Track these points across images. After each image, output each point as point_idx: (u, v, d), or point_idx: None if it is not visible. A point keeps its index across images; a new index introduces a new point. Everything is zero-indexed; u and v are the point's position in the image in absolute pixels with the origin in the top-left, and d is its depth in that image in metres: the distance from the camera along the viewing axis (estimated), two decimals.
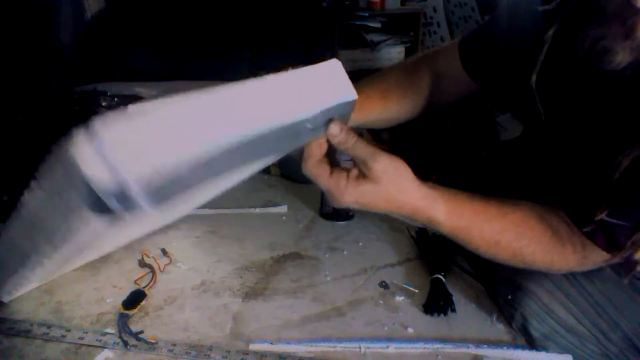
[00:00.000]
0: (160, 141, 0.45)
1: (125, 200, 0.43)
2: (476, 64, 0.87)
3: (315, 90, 0.58)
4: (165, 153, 0.46)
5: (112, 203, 0.43)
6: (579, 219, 0.66)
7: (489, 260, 0.72)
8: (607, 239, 0.64)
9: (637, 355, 0.73)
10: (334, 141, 0.61)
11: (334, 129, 0.59)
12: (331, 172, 0.63)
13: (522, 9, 0.77)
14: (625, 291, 0.73)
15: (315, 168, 0.63)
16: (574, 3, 0.68)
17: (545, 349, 0.72)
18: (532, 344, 0.74)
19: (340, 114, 0.62)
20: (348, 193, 0.62)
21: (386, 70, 0.97)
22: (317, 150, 0.63)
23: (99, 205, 0.43)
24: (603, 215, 0.62)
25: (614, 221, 0.62)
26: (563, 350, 0.72)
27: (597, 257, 0.66)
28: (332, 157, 0.65)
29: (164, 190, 0.46)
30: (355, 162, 0.63)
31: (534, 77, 0.74)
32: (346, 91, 0.60)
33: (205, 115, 0.49)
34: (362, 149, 0.61)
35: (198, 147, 0.48)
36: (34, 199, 0.53)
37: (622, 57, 0.59)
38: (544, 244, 0.66)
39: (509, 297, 0.76)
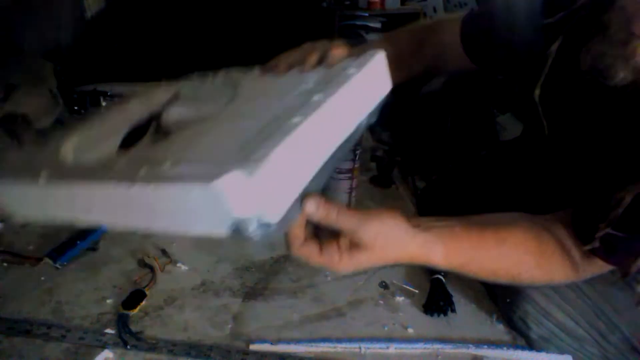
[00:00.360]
0: (299, 165, 0.47)
1: (264, 226, 0.43)
2: (475, 49, 0.85)
3: (371, 86, 0.59)
4: (300, 175, 0.47)
5: (250, 229, 0.42)
6: (582, 235, 0.65)
7: None
8: (606, 249, 0.63)
9: (636, 357, 0.73)
10: (314, 219, 0.55)
11: (310, 207, 0.53)
12: (321, 249, 0.58)
13: (524, 18, 0.76)
14: (624, 293, 0.73)
15: (303, 250, 0.58)
16: (578, 17, 0.68)
17: (544, 350, 0.72)
18: (531, 346, 0.74)
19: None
20: (344, 266, 0.58)
21: (397, 34, 0.95)
22: (298, 232, 0.58)
23: (234, 228, 0.42)
24: (604, 231, 0.61)
25: (614, 233, 0.61)
26: (563, 353, 0.72)
27: (595, 268, 0.66)
28: (317, 230, 0.60)
29: (293, 210, 0.47)
30: (343, 232, 0.58)
31: (537, 91, 0.74)
32: (387, 85, 0.61)
33: (322, 129, 0.50)
34: (347, 221, 0.56)
35: (318, 161, 0.49)
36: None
37: (623, 75, 0.59)
38: (542, 266, 0.66)
39: (508, 300, 0.76)
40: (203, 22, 2.10)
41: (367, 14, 2.87)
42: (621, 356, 0.73)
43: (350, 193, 1.02)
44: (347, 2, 2.82)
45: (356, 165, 1.00)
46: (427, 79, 1.03)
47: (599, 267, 0.65)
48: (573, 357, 0.72)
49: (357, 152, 0.99)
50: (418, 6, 3.04)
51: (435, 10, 3.21)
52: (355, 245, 0.57)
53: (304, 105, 0.50)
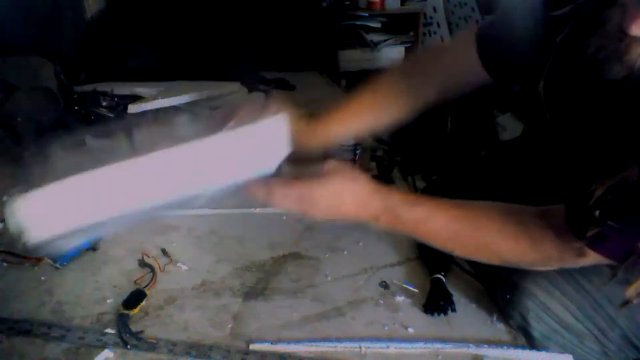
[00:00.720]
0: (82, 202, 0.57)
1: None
2: (492, 55, 0.83)
3: (257, 154, 0.64)
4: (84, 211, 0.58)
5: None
6: (574, 228, 0.65)
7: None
8: (594, 241, 0.63)
9: (636, 353, 0.73)
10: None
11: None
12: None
13: (529, 10, 0.77)
14: (624, 288, 0.73)
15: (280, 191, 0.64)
16: (585, 11, 0.68)
17: (545, 349, 0.72)
18: (532, 344, 0.74)
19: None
20: (314, 198, 0.63)
21: (384, 75, 0.92)
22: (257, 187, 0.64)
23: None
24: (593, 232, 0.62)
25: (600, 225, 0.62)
26: (563, 349, 0.72)
27: (580, 259, 0.66)
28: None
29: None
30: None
31: (541, 83, 0.75)
32: (283, 151, 0.66)
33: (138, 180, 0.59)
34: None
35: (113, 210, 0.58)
36: None
37: (618, 70, 0.59)
38: (506, 233, 0.66)
39: (508, 296, 0.76)
40: (203, 22, 2.09)
41: (367, 14, 2.87)
42: (620, 352, 0.74)
43: None
44: (347, 2, 2.82)
45: (356, 165, 1.00)
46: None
47: (585, 259, 0.65)
48: (573, 354, 0.72)
49: (358, 151, 0.99)
50: (418, 6, 3.04)
51: (435, 10, 3.21)
52: (317, 178, 0.63)
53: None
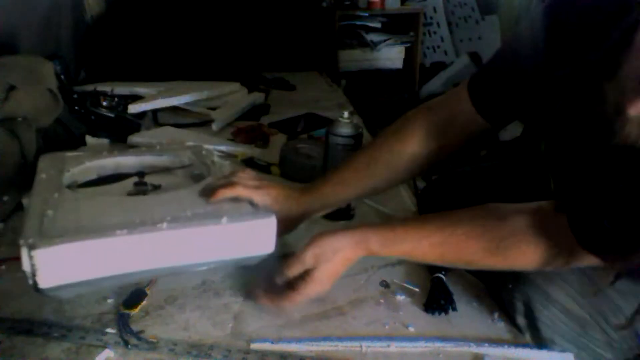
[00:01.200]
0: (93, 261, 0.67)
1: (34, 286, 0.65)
2: (487, 103, 0.82)
3: (243, 247, 0.74)
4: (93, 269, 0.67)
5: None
6: (576, 233, 0.65)
7: None
8: (595, 245, 0.63)
9: (638, 342, 0.73)
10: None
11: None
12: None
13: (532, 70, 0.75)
14: (629, 279, 0.73)
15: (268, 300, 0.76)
16: (585, 79, 0.66)
17: (550, 342, 0.73)
18: (537, 337, 0.74)
19: None
20: (315, 289, 0.74)
21: (377, 139, 0.92)
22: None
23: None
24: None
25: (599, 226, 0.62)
26: (568, 342, 0.73)
27: (578, 260, 0.66)
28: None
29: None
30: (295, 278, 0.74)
31: (542, 145, 0.80)
32: (268, 247, 0.76)
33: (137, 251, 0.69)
34: (295, 272, 0.74)
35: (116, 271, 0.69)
36: None
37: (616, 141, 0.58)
38: (489, 251, 0.69)
39: (510, 286, 0.76)
40: (203, 21, 2.10)
41: (367, 14, 2.87)
42: (624, 342, 0.73)
43: None
44: (347, 2, 2.82)
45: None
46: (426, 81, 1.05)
47: (578, 261, 0.66)
48: (578, 346, 0.72)
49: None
50: (418, 6, 3.04)
51: (435, 10, 3.21)
52: (307, 275, 0.73)
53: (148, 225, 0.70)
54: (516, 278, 0.75)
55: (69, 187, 0.87)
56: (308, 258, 0.73)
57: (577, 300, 0.73)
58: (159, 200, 0.82)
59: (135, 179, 0.94)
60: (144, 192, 0.90)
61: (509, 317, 0.78)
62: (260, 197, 0.80)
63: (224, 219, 0.72)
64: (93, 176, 0.96)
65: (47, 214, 0.72)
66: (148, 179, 0.93)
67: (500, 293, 0.80)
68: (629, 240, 0.60)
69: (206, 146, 1.08)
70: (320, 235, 0.74)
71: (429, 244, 0.72)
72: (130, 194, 0.89)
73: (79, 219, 0.72)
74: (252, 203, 0.79)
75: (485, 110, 0.82)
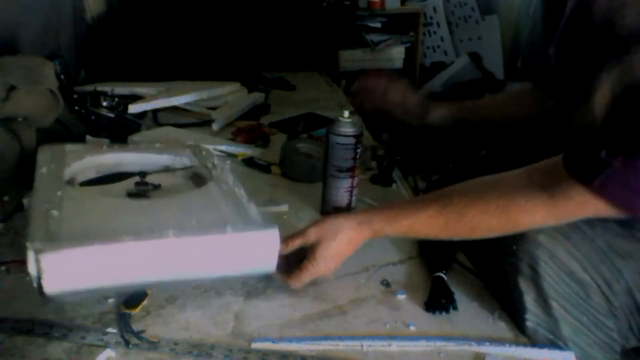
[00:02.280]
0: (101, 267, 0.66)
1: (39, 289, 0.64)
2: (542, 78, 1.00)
3: (241, 257, 0.73)
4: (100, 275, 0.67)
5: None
6: (580, 176, 0.66)
7: (491, 243, 0.77)
8: (599, 185, 0.64)
9: (637, 313, 0.73)
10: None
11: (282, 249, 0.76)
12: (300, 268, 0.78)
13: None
14: (630, 242, 0.73)
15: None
16: None
17: (554, 301, 0.73)
18: (542, 296, 0.73)
19: None
20: (319, 267, 0.77)
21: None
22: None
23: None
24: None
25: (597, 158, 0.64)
26: (571, 305, 0.73)
27: (578, 208, 0.67)
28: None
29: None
30: (301, 256, 0.78)
31: (551, 49, 0.84)
32: (269, 263, 0.74)
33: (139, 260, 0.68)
34: (295, 244, 0.78)
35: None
36: None
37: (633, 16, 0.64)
38: (490, 212, 0.71)
39: (514, 247, 0.75)
40: (202, 21, 2.10)
41: (367, 14, 2.87)
42: (625, 308, 0.74)
43: (351, 192, 1.02)
44: (347, 2, 2.82)
45: (357, 164, 1.00)
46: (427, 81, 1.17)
47: (584, 206, 0.67)
48: (579, 309, 0.72)
49: (359, 150, 0.99)
50: (418, 6, 3.04)
51: (435, 10, 3.21)
52: (312, 253, 0.76)
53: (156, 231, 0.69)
54: (521, 240, 0.74)
55: (69, 182, 0.87)
56: (310, 233, 0.77)
57: (581, 262, 0.72)
58: (163, 205, 0.82)
59: (136, 178, 0.94)
60: (145, 193, 0.90)
61: (511, 284, 0.77)
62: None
63: (229, 228, 0.72)
64: (93, 172, 0.97)
65: (51, 215, 0.71)
66: (148, 178, 0.93)
67: (504, 262, 0.78)
68: (626, 166, 0.61)
69: (206, 146, 1.08)
70: (323, 218, 0.80)
71: (427, 216, 0.75)
72: (131, 194, 0.89)
73: (85, 222, 0.71)
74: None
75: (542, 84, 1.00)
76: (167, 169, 1.00)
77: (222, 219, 0.75)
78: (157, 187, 0.92)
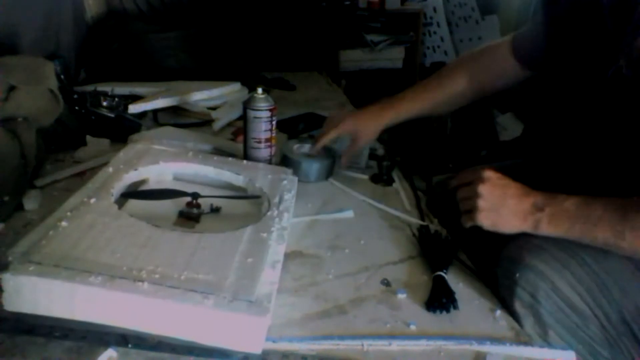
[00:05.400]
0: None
1: None
2: (529, 58, 1.01)
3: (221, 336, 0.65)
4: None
5: None
6: None
7: (492, 242, 0.80)
8: None
9: (634, 343, 0.74)
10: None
11: None
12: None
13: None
14: (632, 274, 0.74)
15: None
16: None
17: (552, 329, 0.74)
18: (540, 324, 0.75)
19: None
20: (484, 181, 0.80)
21: (430, 77, 1.17)
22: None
23: None
24: None
25: None
26: (568, 332, 0.74)
27: None
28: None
29: None
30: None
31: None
32: (252, 348, 0.65)
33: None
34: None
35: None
36: None
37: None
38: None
39: (517, 275, 0.76)
40: (202, 21, 2.09)
41: (367, 14, 2.87)
42: (620, 340, 0.74)
43: (270, 161, 1.13)
44: (347, 2, 2.82)
45: (274, 135, 1.11)
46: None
47: None
48: (577, 337, 0.73)
49: (273, 120, 1.09)
50: (418, 6, 3.04)
51: (435, 10, 3.21)
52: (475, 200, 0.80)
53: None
54: (525, 268, 0.76)
55: (131, 186, 0.89)
56: (483, 173, 0.81)
57: (581, 294, 0.74)
58: (174, 240, 0.75)
59: (188, 198, 0.90)
60: (195, 215, 0.89)
61: (508, 304, 0.78)
62: (349, 126, 1.10)
63: (210, 302, 0.64)
64: (169, 177, 0.99)
65: (59, 225, 0.71)
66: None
67: (501, 283, 0.80)
68: None
69: (286, 176, 1.02)
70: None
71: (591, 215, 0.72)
72: (182, 214, 0.88)
73: (75, 245, 0.69)
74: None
75: (523, 57, 1.02)
76: (228, 193, 0.96)
77: (218, 283, 0.67)
78: (216, 210, 0.91)
